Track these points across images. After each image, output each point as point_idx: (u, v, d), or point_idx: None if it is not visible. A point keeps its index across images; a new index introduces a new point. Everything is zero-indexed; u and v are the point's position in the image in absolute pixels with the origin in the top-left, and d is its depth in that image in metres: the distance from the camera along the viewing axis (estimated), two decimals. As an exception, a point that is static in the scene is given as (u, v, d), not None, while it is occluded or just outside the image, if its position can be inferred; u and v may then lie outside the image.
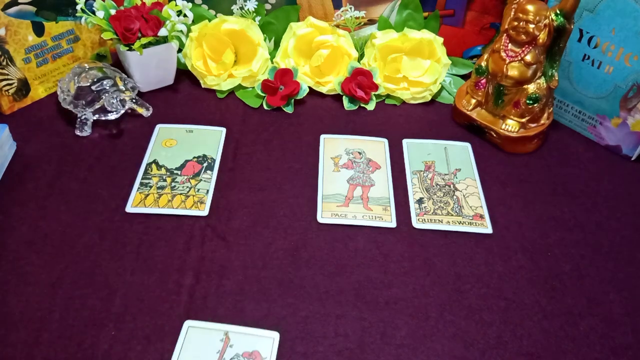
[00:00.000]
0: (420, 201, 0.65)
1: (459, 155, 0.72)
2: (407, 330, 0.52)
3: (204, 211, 0.62)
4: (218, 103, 0.78)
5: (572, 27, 0.65)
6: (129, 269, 0.56)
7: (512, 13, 0.66)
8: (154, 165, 0.67)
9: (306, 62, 0.81)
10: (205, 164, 0.68)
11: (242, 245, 0.59)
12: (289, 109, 0.77)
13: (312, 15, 0.79)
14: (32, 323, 0.51)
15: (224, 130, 0.73)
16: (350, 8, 0.80)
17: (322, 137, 0.73)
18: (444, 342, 0.52)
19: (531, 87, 0.69)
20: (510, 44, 0.67)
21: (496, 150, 0.73)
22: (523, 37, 0.65)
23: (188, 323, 0.51)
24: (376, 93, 0.79)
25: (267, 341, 0.51)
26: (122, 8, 0.74)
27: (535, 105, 0.69)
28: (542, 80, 0.69)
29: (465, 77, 0.83)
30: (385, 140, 0.73)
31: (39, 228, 0.60)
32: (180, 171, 0.67)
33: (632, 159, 0.73)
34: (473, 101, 0.75)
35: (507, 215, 0.64)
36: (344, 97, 0.79)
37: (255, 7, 0.80)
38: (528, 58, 0.66)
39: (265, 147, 0.71)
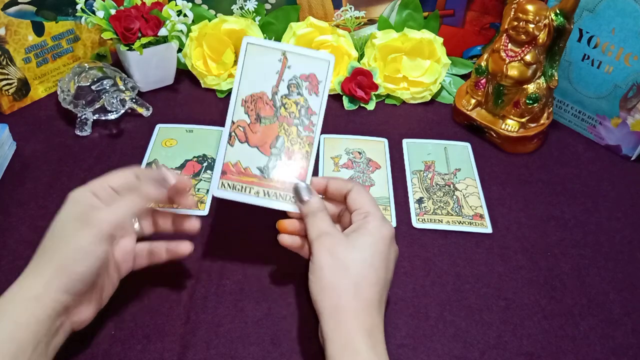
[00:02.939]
0: (420, 201, 0.65)
1: (458, 155, 0.72)
2: (407, 330, 0.52)
3: (204, 211, 0.62)
4: (218, 103, 0.78)
5: (572, 27, 0.65)
6: (128, 268, 0.56)
7: (512, 13, 0.66)
8: (154, 165, 0.67)
9: (306, 62, 0.81)
10: (205, 164, 0.68)
11: (243, 245, 0.59)
12: (289, 109, 0.77)
13: (312, 15, 0.79)
14: (32, 323, 0.51)
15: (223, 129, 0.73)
16: (350, 8, 0.80)
17: (322, 137, 0.73)
18: (444, 342, 0.51)
19: (531, 87, 0.69)
20: (510, 44, 0.67)
21: (496, 150, 0.73)
22: (523, 37, 0.65)
23: (246, 39, 0.51)
24: (376, 93, 0.79)
25: (323, 64, 0.52)
26: (122, 8, 0.74)
27: (535, 105, 0.69)
28: (541, 80, 0.69)
29: (465, 77, 0.83)
30: (385, 140, 0.73)
31: (39, 228, 0.59)
32: (180, 171, 0.67)
33: (632, 159, 0.73)
34: (473, 101, 0.75)
35: (507, 215, 0.64)
36: (344, 97, 0.79)
37: (255, 7, 0.80)
38: (528, 58, 0.66)
39: (265, 147, 0.71)
